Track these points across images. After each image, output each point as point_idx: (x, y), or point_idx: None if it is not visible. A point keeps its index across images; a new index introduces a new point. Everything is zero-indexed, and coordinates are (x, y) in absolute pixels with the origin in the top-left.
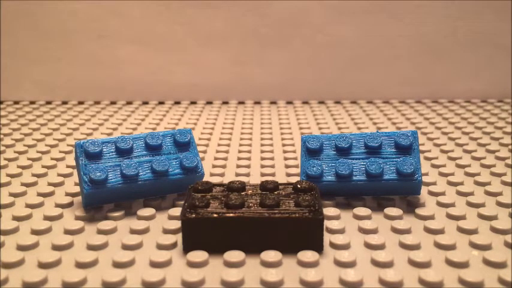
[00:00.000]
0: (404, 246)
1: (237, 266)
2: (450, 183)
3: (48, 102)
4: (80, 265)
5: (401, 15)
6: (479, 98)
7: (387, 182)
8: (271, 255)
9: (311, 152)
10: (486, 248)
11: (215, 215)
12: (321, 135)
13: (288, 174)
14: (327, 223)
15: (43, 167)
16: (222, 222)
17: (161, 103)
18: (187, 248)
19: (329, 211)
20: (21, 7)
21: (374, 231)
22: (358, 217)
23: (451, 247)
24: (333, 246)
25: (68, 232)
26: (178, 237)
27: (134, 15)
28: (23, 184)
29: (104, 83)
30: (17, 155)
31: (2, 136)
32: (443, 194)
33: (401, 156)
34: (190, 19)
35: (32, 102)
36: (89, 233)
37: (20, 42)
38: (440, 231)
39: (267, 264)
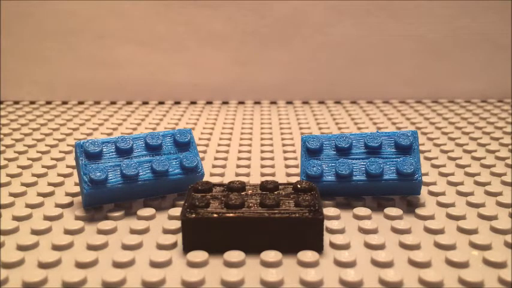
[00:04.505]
0: (404, 246)
1: (237, 266)
2: (450, 183)
3: (48, 102)
4: (80, 265)
5: (401, 15)
6: (479, 98)
7: (387, 182)
8: (271, 255)
9: (311, 152)
10: (486, 248)
11: (215, 215)
12: (321, 135)
13: (288, 174)
14: (327, 223)
15: (43, 167)
16: (222, 222)
17: (161, 103)
18: (187, 248)
19: (329, 211)
20: (21, 7)
21: (374, 231)
22: (358, 217)
23: (451, 247)
24: (333, 246)
25: (68, 232)
26: (178, 237)
27: (134, 15)
28: (23, 184)
29: (104, 83)
30: (17, 155)
31: (2, 136)
32: (443, 194)
33: (401, 156)
34: (190, 19)
35: (32, 102)
36: (89, 233)
37: (20, 42)
38: (440, 231)
39: (267, 264)
